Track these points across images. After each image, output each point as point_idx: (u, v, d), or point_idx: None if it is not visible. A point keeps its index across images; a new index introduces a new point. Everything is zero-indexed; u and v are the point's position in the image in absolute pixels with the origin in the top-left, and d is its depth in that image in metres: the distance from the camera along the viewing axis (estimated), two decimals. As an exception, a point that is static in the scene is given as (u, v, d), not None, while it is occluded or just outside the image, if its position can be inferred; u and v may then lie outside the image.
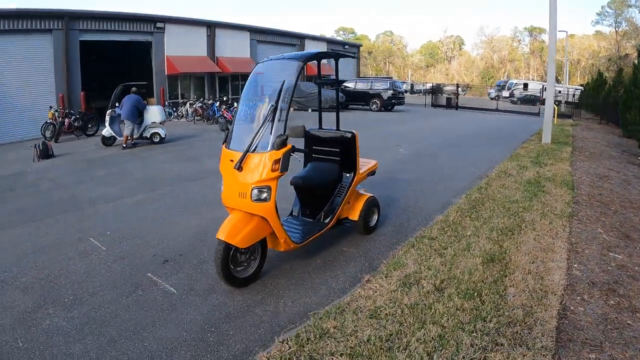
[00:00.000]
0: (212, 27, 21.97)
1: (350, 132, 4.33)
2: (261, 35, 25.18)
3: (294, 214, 4.36)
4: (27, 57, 15.24)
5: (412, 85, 47.38)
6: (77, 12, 16.60)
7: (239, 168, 3.38)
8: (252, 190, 3.34)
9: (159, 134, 11.91)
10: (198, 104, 17.54)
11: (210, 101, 17.98)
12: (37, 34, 15.50)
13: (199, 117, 17.18)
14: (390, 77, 37.40)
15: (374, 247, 4.32)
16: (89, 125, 14.46)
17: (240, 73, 23.85)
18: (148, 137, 11.83)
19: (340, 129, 4.47)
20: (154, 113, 11.87)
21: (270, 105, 3.41)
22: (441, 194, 6.17)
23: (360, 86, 22.99)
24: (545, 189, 6.09)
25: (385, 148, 10.31)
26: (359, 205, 4.41)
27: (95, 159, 10.09)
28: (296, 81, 3.52)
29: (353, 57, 5.11)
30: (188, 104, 18.09)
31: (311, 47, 28.51)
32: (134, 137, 11.50)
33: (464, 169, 7.88)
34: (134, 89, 11.44)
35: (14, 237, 4.85)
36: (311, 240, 3.95)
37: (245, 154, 3.38)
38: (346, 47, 33.96)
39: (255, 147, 3.38)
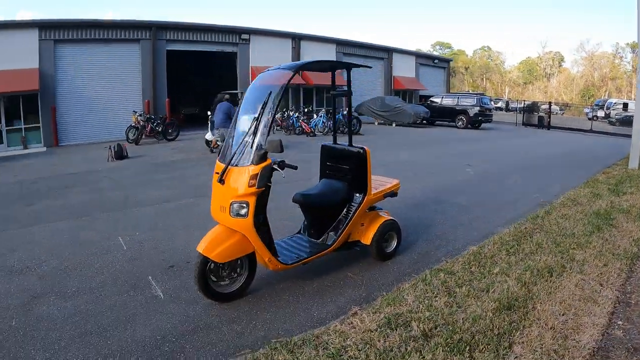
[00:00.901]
0: (297, 39, 22.70)
1: (361, 148, 3.99)
2: (347, 48, 25.35)
3: (302, 232, 4.14)
4: (117, 65, 17.15)
5: (507, 103, 44.12)
6: (164, 23, 18.26)
7: (221, 181, 3.29)
8: (231, 204, 3.22)
9: None
10: (278, 115, 18.14)
11: (291, 112, 18.48)
12: (126, 43, 17.36)
13: (278, 128, 17.75)
14: (482, 93, 35.33)
15: (383, 276, 3.89)
16: (169, 130, 15.77)
17: (325, 85, 24.20)
18: None
19: (354, 144, 4.15)
20: (245, 122, 11.96)
21: (253, 117, 3.26)
22: (489, 222, 5.45)
23: (447, 102, 22.04)
24: (614, 223, 5.02)
25: (454, 167, 9.63)
26: (373, 229, 4.02)
27: (164, 162, 10.92)
28: (282, 92, 3.36)
29: (369, 67, 4.72)
30: None
31: (398, 61, 28.04)
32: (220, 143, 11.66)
33: (529, 195, 6.92)
34: (226, 96, 11.71)
35: (54, 230, 5.37)
36: (306, 263, 3.68)
37: (226, 167, 3.28)
38: (435, 61, 32.94)
39: (238, 160, 3.27)
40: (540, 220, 5.20)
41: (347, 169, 4.06)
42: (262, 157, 3.19)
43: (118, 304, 3.46)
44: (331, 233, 3.90)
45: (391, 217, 4.23)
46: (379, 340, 2.71)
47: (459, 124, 20.88)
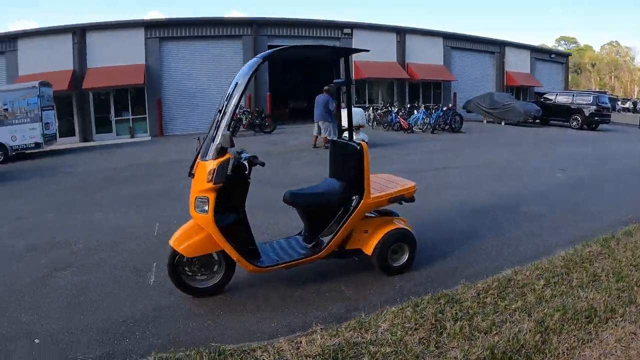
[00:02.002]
0: (402, 33, 21.83)
1: (358, 144, 3.48)
2: (455, 42, 23.61)
3: (301, 234, 3.84)
4: (219, 60, 18.44)
5: (635, 103, 36.25)
6: (265, 19, 19.06)
7: (191, 175, 3.21)
8: (195, 199, 3.13)
9: None
10: (381, 110, 17.69)
11: (392, 108, 17.92)
12: (228, 39, 18.54)
13: (378, 123, 17.36)
14: (603, 92, 29.82)
15: (378, 293, 3.38)
16: (266, 124, 16.47)
17: (432, 80, 22.97)
18: None
19: (354, 139, 3.70)
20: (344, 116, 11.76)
21: (219, 110, 3.09)
22: (551, 239, 4.44)
23: (562, 99, 19.18)
24: None
25: (544, 171, 8.30)
26: (377, 237, 3.51)
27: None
28: (246, 83, 3.13)
29: (367, 51, 4.04)
30: (371, 109, 18.46)
31: (511, 55, 25.19)
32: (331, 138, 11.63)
33: (619, 209, 5.54)
34: (326, 87, 11.33)
35: (110, 214, 5.97)
36: (289, 267, 3.41)
37: (194, 161, 3.20)
38: (552, 55, 29.00)
39: (204, 154, 3.16)
40: (613, 242, 4.00)
41: (347, 167, 3.60)
42: (219, 152, 3.03)
43: (113, 283, 3.70)
44: (323, 238, 3.51)
45: (403, 226, 3.64)
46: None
47: (573, 124, 17.97)
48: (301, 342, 2.62)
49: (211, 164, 3.04)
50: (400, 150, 11.51)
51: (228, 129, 3.04)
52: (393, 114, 16.53)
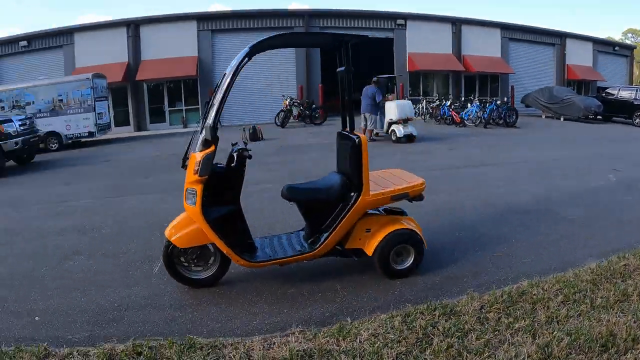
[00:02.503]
0: (457, 23, 20.83)
1: (357, 137, 3.26)
2: (513, 33, 22.20)
3: (303, 230, 3.70)
4: (271, 52, 18.46)
5: None
6: (317, 10, 18.97)
7: (184, 166, 3.20)
8: (185, 191, 3.12)
9: (395, 132, 11.02)
10: (435, 103, 17.10)
11: (445, 101, 17.24)
12: (280, 31, 18.54)
13: (430, 116, 16.83)
14: None
15: (374, 297, 3.16)
16: (316, 115, 16.44)
17: (488, 73, 21.80)
18: (388, 133, 11.39)
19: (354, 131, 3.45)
20: (391, 109, 11.09)
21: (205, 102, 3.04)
22: (583, 248, 3.94)
23: (624, 95, 17.30)
24: None
25: (596, 171, 7.47)
26: (379, 237, 3.28)
27: (291, 146, 11.58)
28: (233, 74, 3.08)
29: (366, 37, 3.74)
30: (424, 102, 17.86)
31: (572, 47, 23.24)
32: (378, 131, 11.34)
33: None
34: (374, 79, 11.32)
35: (141, 201, 6.22)
36: (282, 264, 3.33)
37: (186, 153, 3.18)
38: (615, 48, 26.59)
39: (194, 146, 3.13)
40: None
41: (347, 161, 3.39)
42: (204, 144, 3.00)
43: (122, 269, 3.83)
44: (321, 236, 3.34)
45: (409, 227, 3.38)
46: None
47: (637, 121, 16.02)
48: (274, 343, 2.53)
49: (197, 156, 3.01)
50: (446, 145, 10.98)
51: (214, 121, 3.00)
52: (445, 107, 15.86)
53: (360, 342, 2.47)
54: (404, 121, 11.03)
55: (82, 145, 14.29)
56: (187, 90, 19.18)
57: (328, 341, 2.49)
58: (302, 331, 2.65)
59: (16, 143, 9.57)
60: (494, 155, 9.47)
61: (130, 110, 19.10)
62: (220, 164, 3.22)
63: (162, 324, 2.92)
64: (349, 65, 3.35)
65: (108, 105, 15.85)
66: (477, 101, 15.92)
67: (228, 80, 3.05)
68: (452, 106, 15.81)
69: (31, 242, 4.71)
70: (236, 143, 3.38)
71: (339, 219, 3.22)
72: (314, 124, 16.31)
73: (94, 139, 14.59)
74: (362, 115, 11.18)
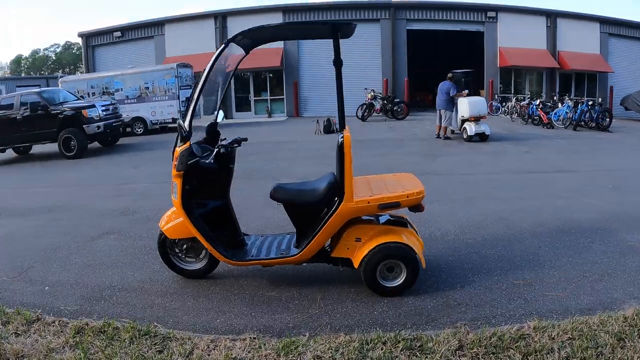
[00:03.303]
0: (552, 16, 18.64)
1: (341, 136, 3.01)
2: (614, 28, 19.26)
3: None
4: (356, 44, 18.32)
5: None
6: (404, 2, 18.20)
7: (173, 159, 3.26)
8: (171, 184, 3.19)
9: (466, 130, 10.42)
10: (524, 102, 15.66)
11: (534, 99, 15.68)
12: (366, 23, 18.25)
13: (518, 115, 15.45)
14: None
15: (347, 315, 2.91)
16: (399, 110, 15.99)
17: (585, 71, 19.35)
18: (460, 130, 10.88)
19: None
20: (463, 106, 10.50)
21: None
22: (632, 285, 3.11)
23: None
24: None
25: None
26: (367, 249, 3.02)
27: (359, 140, 11.22)
28: (209, 69, 2.99)
29: (354, 23, 3.37)
30: (514, 100, 16.42)
31: None
32: (453, 129, 10.99)
33: None
34: (449, 75, 10.98)
35: None
36: (265, 265, 3.31)
37: (174, 146, 3.20)
38: None
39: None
40: None
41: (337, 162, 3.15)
42: (182, 140, 3.03)
43: (135, 253, 4.10)
44: (304, 240, 3.17)
45: (404, 241, 3.04)
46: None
47: None
48: (220, 345, 2.48)
49: (177, 152, 3.07)
50: (523, 147, 9.87)
51: (190, 118, 3.04)
52: (534, 107, 14.28)
53: (304, 356, 2.30)
54: (476, 119, 10.27)
55: (166, 130, 15.69)
56: (272, 81, 19.87)
57: (269, 354, 2.37)
58: (254, 339, 2.56)
59: (98, 127, 10.78)
60: (573, 161, 8.23)
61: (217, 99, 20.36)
62: (205, 159, 3.20)
63: (140, 308, 3.09)
64: (338, 58, 3.09)
65: (194, 93, 17.02)
66: (570, 101, 14.10)
67: (204, 75, 3.01)
68: (542, 105, 14.21)
69: (76, 219, 5.30)
70: (224, 139, 3.36)
71: (321, 225, 3.03)
72: (396, 118, 15.92)
73: (174, 125, 15.87)
74: (438, 112, 10.83)
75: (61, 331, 2.70)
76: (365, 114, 15.97)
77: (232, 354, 2.39)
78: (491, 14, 18.42)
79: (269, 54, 18.52)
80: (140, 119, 15.24)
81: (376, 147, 10.29)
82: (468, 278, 3.36)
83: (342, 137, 2.98)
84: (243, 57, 3.72)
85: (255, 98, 20.23)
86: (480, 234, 4.34)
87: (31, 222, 5.39)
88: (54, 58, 56.40)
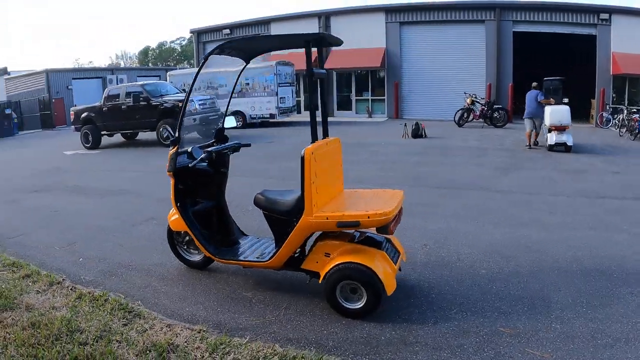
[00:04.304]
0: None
1: (303, 149, 2.99)
2: None
3: None
4: (460, 46, 17.26)
5: None
6: (510, 3, 16.61)
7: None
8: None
9: (548, 139, 9.99)
10: (637, 115, 13.19)
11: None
12: (470, 24, 16.99)
13: (627, 129, 13.07)
14: None
15: (295, 327, 2.94)
16: (497, 116, 14.81)
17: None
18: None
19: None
20: (545, 114, 10.09)
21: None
22: None
23: None
24: None
25: None
26: (329, 266, 3.00)
27: (447, 147, 11.01)
28: (194, 78, 3.25)
29: (340, 43, 3.10)
30: (625, 111, 13.94)
31: None
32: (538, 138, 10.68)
33: None
34: (534, 84, 10.79)
35: (248, 184, 6.89)
36: (245, 267, 3.54)
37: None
38: None
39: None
40: None
41: None
42: (172, 143, 3.36)
43: (161, 239, 4.43)
44: (275, 248, 3.28)
45: (368, 263, 2.90)
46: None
47: None
48: (171, 330, 2.80)
49: (169, 154, 3.43)
50: (614, 166, 8.41)
51: (180, 123, 3.37)
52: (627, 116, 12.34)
53: None
54: (558, 128, 9.57)
55: (265, 125, 16.81)
56: (374, 81, 19.90)
57: (200, 347, 2.60)
58: (201, 331, 2.79)
59: (194, 120, 11.98)
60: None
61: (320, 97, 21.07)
62: (199, 163, 3.45)
63: (137, 287, 3.56)
64: (310, 68, 3.08)
65: (293, 91, 17.83)
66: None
67: (191, 83, 3.29)
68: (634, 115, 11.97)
69: (136, 204, 6.21)
70: (212, 142, 3.62)
71: (287, 235, 3.10)
72: (495, 126, 14.73)
73: (275, 120, 16.92)
74: (526, 121, 10.46)
75: (68, 295, 3.31)
76: (462, 119, 15.04)
77: (171, 340, 2.67)
78: (604, 16, 15.62)
79: (371, 53, 18.54)
80: (240, 113, 16.56)
81: (451, 155, 9.71)
82: (449, 314, 3.04)
83: (303, 151, 2.98)
84: (244, 68, 3.91)
85: (357, 97, 20.45)
86: (498, 264, 3.86)
87: (101, 202, 6.47)
88: (179, 50, 58.67)
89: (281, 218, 3.22)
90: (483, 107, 14.98)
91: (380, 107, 19.85)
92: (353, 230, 3.20)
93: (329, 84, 20.49)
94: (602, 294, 3.28)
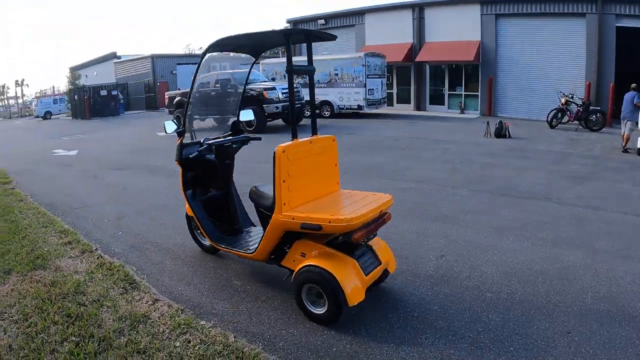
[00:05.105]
0: None
1: (276, 146, 2.98)
2: None
3: None
4: (558, 41, 15.30)
5: None
6: None
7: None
8: None
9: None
10: None
11: None
12: (570, 17, 14.89)
13: None
14: None
15: (261, 321, 3.00)
16: (593, 119, 12.97)
17: None
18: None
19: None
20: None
21: None
22: None
23: None
24: None
25: None
26: (299, 266, 3.00)
27: (528, 149, 9.97)
28: (195, 73, 3.42)
29: (334, 38, 2.74)
30: None
31: None
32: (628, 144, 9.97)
33: None
34: (633, 85, 10.25)
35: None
36: (235, 255, 3.65)
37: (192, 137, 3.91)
38: None
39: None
40: None
41: None
42: (178, 135, 3.63)
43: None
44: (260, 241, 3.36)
45: (331, 269, 2.81)
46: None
47: None
48: (154, 305, 3.12)
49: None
50: None
51: (184, 116, 3.60)
52: None
53: (161, 339, 2.70)
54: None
55: (351, 116, 16.74)
56: (467, 75, 18.68)
57: (166, 322, 2.87)
58: (178, 309, 3.05)
59: (276, 107, 12.47)
60: None
61: (412, 90, 20.47)
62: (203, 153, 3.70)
63: (150, 262, 3.98)
64: (290, 64, 3.00)
65: (383, 82, 17.52)
66: None
67: (192, 81, 3.50)
68: None
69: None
70: (229, 134, 3.83)
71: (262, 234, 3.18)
72: (591, 129, 12.85)
73: (362, 111, 16.80)
74: (623, 123, 10.03)
75: (92, 262, 3.86)
76: (555, 120, 13.36)
77: (148, 312, 2.99)
78: None
79: (465, 47, 17.37)
80: (328, 103, 16.82)
81: (526, 159, 8.72)
82: (418, 338, 2.77)
83: (276, 148, 2.98)
84: (254, 62, 3.99)
85: (450, 92, 19.36)
86: (510, 289, 3.38)
87: (168, 181, 7.01)
88: (284, 39, 64.28)
89: (265, 213, 3.29)
90: (579, 108, 13.11)
91: (473, 104, 18.54)
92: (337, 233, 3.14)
93: (422, 76, 19.75)
94: (619, 344, 2.66)
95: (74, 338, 2.67)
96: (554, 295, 3.29)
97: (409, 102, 20.69)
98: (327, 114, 16.84)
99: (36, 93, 56.84)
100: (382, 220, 3.05)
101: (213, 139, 3.84)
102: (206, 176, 3.87)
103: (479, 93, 18.10)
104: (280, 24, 61.47)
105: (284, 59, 17.58)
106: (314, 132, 3.31)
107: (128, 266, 3.79)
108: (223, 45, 3.47)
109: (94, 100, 24.83)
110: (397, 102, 21.15)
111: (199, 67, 3.52)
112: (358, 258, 2.98)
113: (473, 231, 4.68)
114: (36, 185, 7.37)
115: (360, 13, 21.16)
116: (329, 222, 2.78)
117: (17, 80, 69.17)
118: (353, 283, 2.83)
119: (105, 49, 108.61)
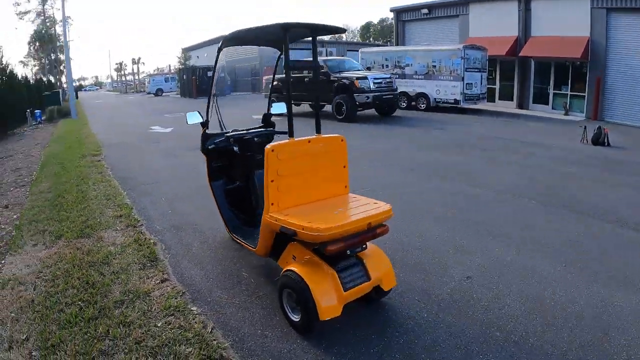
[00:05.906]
0: None
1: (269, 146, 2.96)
2: None
3: None
4: None
5: None
6: None
7: None
8: None
9: None
10: None
11: None
12: None
13: None
14: None
15: (245, 318, 3.06)
16: None
17: None
18: None
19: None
20: None
21: None
22: None
23: None
24: None
25: None
26: (285, 269, 2.98)
27: (615, 159, 8.65)
28: (214, 67, 3.61)
29: (342, 31, 2.41)
30: None
31: None
32: None
33: None
34: None
35: (375, 172, 6.78)
36: (242, 245, 3.73)
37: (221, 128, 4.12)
38: None
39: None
40: None
41: None
42: (202, 125, 3.83)
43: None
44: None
45: (305, 276, 2.73)
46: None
47: None
48: (162, 282, 3.39)
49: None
50: None
51: (207, 107, 3.79)
52: None
53: (149, 317, 2.91)
54: None
55: (448, 110, 15.80)
56: (574, 74, 16.48)
57: (161, 302, 3.09)
58: (180, 292, 3.25)
59: (367, 97, 12.30)
60: None
61: (515, 86, 18.71)
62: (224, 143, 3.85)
63: (181, 244, 4.20)
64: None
65: (483, 77, 16.27)
66: None
67: (213, 74, 3.65)
68: None
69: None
70: (239, 129, 3.97)
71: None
72: None
73: (458, 106, 15.80)
74: None
75: (131, 237, 4.29)
76: None
77: (151, 290, 3.24)
78: None
79: (572, 42, 15.29)
80: (424, 95, 16.13)
81: (614, 172, 7.49)
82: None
83: (267, 148, 2.96)
84: (280, 56, 3.90)
85: (555, 91, 17.25)
86: (525, 329, 2.90)
87: None
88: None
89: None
90: None
91: (579, 105, 16.26)
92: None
93: (527, 72, 17.89)
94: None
95: (80, 303, 3.04)
96: (577, 349, 2.73)
97: (512, 100, 18.94)
98: (423, 106, 16.21)
99: (154, 70, 64.23)
100: (372, 233, 2.88)
101: (237, 131, 3.95)
102: (230, 167, 4.03)
103: (586, 94, 15.87)
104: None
105: (383, 49, 17.39)
106: (318, 131, 3.22)
107: (160, 244, 4.14)
108: (238, 39, 3.53)
109: (201, 80, 27.08)
110: (499, 99, 19.53)
111: (216, 61, 3.68)
112: (341, 271, 2.83)
113: (519, 251, 4.12)
114: (120, 159, 8.29)
115: (464, 3, 19.85)
116: (302, 229, 2.70)
117: (133, 58, 78.75)
118: (328, 296, 2.70)
119: (217, 32, 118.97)
